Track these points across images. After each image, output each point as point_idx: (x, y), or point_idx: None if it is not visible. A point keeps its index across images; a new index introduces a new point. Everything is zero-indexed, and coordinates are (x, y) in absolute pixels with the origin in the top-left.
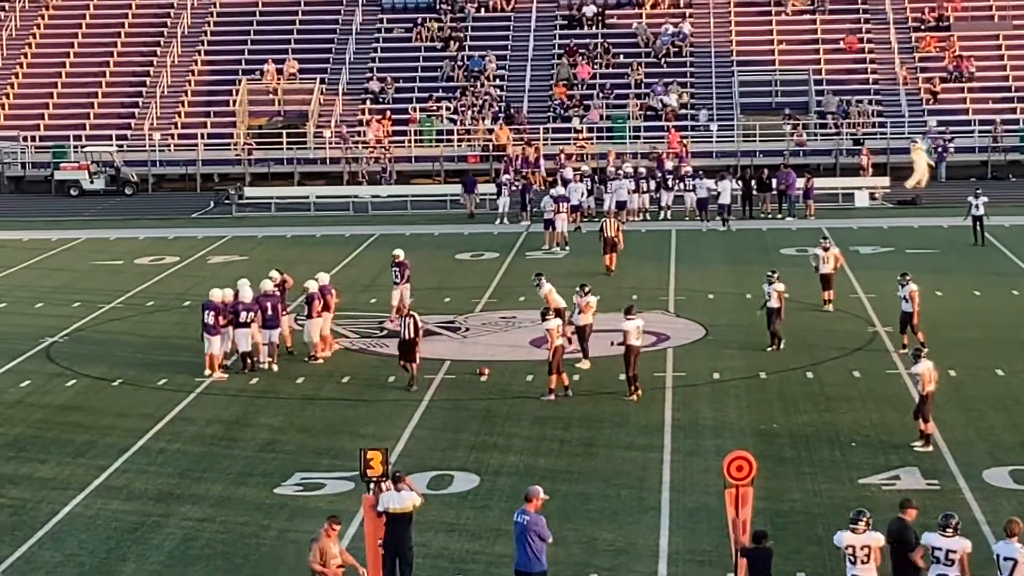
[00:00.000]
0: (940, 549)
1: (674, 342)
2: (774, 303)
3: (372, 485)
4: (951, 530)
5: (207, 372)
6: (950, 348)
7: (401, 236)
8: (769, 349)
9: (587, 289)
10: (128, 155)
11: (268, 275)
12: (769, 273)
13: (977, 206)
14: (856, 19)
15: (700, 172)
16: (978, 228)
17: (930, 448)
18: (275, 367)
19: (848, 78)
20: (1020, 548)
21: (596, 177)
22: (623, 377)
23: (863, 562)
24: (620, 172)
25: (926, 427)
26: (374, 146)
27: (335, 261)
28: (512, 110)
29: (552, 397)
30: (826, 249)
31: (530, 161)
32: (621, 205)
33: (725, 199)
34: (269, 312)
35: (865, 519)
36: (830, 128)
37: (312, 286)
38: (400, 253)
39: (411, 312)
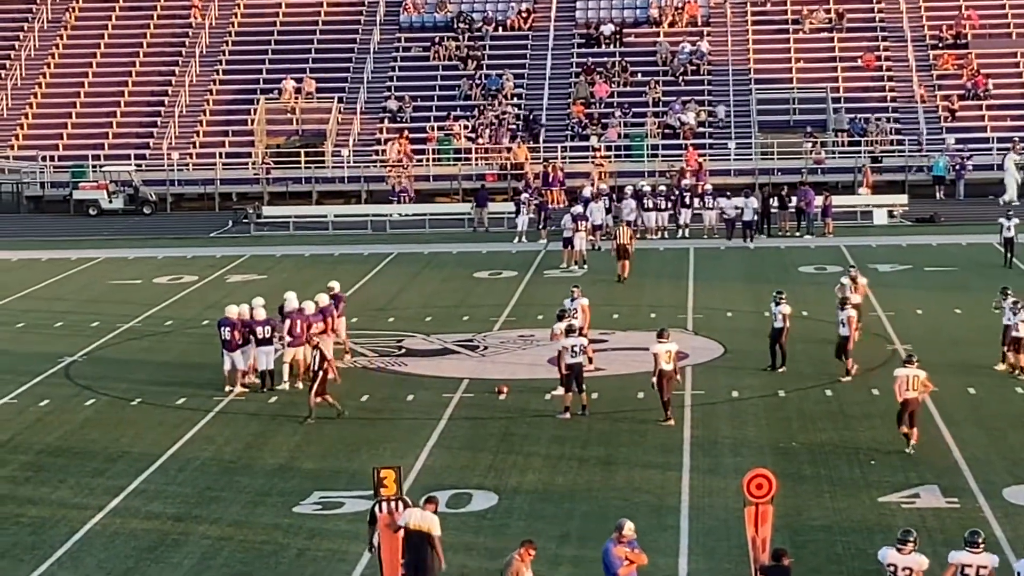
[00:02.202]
0: (971, 566)
1: (692, 360)
2: (779, 323)
3: (386, 503)
4: (979, 546)
5: (227, 388)
6: (970, 366)
7: (419, 255)
8: (767, 368)
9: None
10: (147, 174)
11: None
12: (776, 294)
13: (1008, 228)
14: (874, 37)
15: (727, 193)
16: (1008, 250)
17: (909, 450)
18: (299, 384)
19: (866, 96)
20: None
21: (614, 196)
22: (641, 395)
23: None
24: (627, 193)
25: (903, 430)
26: (393, 164)
27: (353, 280)
28: (532, 116)
29: (567, 415)
30: (854, 280)
31: (550, 179)
32: (628, 225)
33: (748, 216)
34: (297, 330)
35: (913, 540)
36: (841, 145)
37: (309, 307)
38: (335, 285)
39: (318, 344)
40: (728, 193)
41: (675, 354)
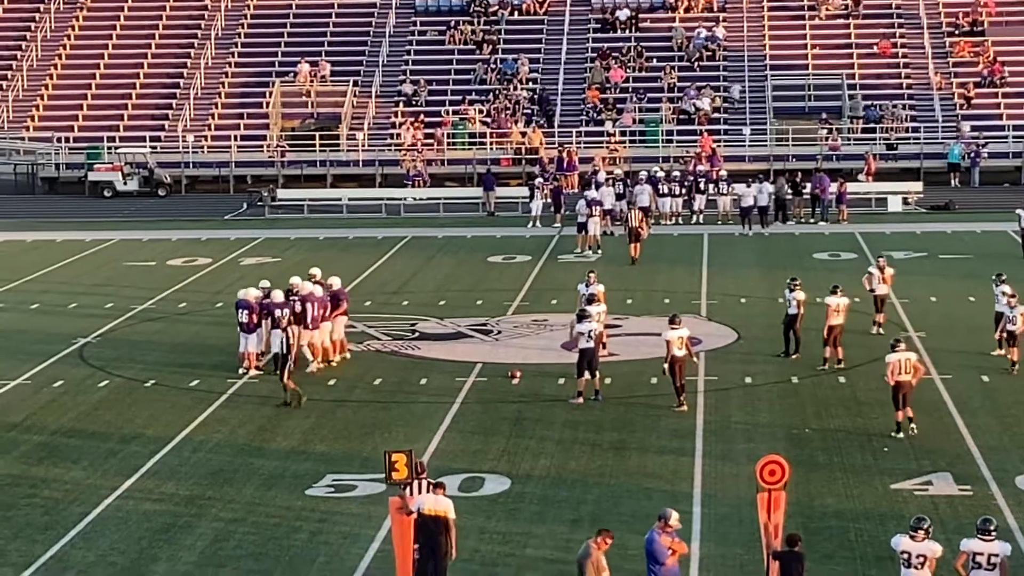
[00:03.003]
0: (982, 554)
1: (706, 346)
2: (793, 310)
3: (405, 487)
4: (991, 534)
5: (240, 370)
6: (983, 354)
7: (433, 239)
8: (781, 355)
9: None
10: (161, 156)
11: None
12: (790, 280)
13: None
14: (890, 24)
15: (749, 180)
16: None
17: (900, 435)
18: (317, 366)
19: (882, 83)
20: None
21: (628, 181)
22: (655, 380)
23: (917, 568)
24: (642, 178)
25: (899, 416)
26: (408, 148)
27: (367, 263)
28: (544, 95)
29: (580, 400)
30: (882, 269)
31: (565, 164)
32: (644, 211)
33: (763, 201)
34: (315, 313)
35: (925, 527)
36: (856, 132)
37: (317, 291)
38: (316, 272)
39: (287, 328)
40: (749, 181)
41: (687, 340)
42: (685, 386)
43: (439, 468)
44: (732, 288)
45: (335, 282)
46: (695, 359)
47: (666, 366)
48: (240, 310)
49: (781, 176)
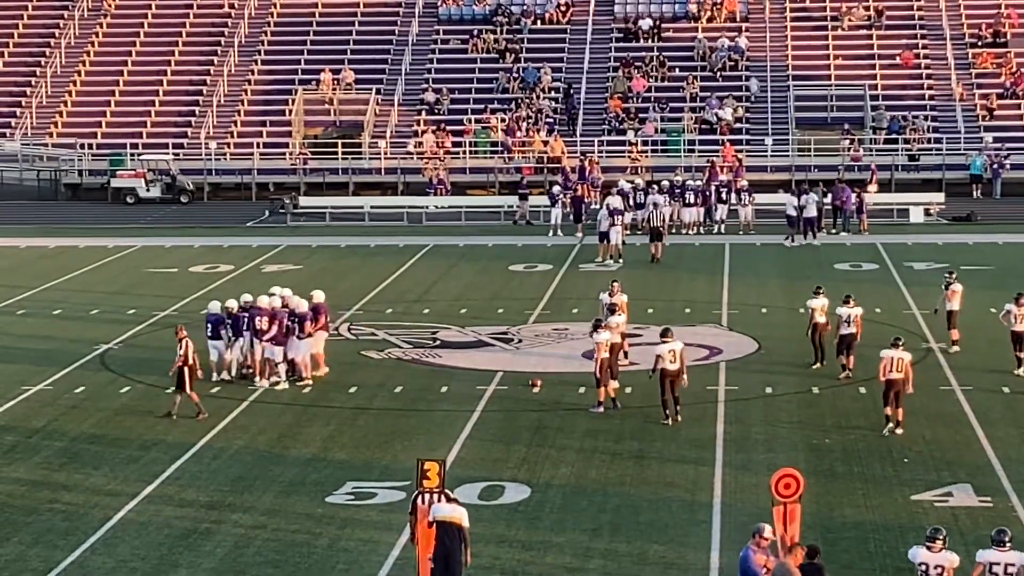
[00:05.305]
0: (999, 564)
1: (727, 356)
2: (818, 318)
3: (428, 495)
4: (1007, 544)
5: (257, 379)
6: (1004, 365)
7: (455, 247)
8: (813, 365)
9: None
10: (184, 163)
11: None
12: (815, 289)
13: None
14: (913, 35)
15: (793, 191)
16: None
17: (898, 431)
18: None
19: (904, 94)
20: None
21: (648, 190)
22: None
23: None
24: (654, 187)
25: (892, 412)
26: (430, 156)
27: (389, 271)
28: (572, 92)
29: (601, 410)
30: (948, 285)
31: (587, 173)
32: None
33: (811, 212)
34: (323, 321)
35: (942, 538)
36: (881, 143)
37: (303, 305)
38: (319, 295)
39: (185, 338)
40: (793, 191)
41: (681, 353)
42: (679, 399)
43: (460, 476)
44: (753, 298)
45: (318, 295)
46: (684, 377)
47: (652, 372)
48: (256, 319)
49: (818, 186)
